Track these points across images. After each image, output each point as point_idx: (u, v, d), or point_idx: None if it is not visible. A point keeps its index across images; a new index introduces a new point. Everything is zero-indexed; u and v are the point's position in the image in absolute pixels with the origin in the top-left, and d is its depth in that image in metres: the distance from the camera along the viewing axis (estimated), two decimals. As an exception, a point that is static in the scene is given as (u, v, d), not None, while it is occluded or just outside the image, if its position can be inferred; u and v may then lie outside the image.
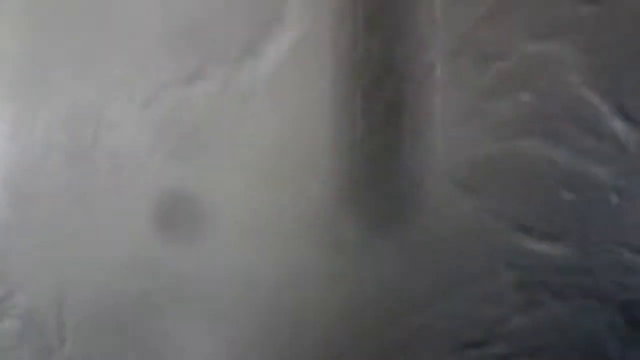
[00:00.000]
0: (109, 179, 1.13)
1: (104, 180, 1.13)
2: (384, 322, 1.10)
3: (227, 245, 1.12)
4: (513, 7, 1.04)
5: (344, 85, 1.09)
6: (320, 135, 1.11)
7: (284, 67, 1.10)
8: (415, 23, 1.06)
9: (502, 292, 1.08)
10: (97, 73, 1.14)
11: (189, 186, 1.12)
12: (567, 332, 1.06)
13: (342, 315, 1.11)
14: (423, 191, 1.08)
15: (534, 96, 1.05)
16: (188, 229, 1.12)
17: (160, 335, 1.12)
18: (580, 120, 1.03)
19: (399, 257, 1.10)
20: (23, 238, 1.16)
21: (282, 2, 1.09)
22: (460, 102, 1.07)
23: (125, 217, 1.13)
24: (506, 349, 1.07)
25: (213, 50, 1.11)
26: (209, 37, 1.11)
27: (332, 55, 1.09)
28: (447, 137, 1.08)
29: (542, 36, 1.03)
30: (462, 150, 1.08)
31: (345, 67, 1.09)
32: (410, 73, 1.08)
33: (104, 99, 1.14)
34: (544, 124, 1.05)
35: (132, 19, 1.13)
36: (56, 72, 1.15)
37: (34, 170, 1.16)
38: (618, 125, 1.01)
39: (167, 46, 1.12)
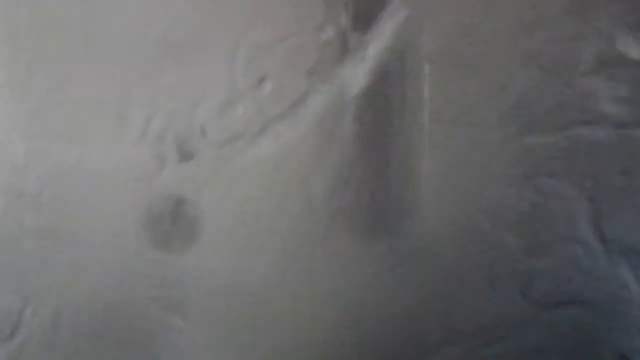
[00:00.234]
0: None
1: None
2: (375, 330, 1.11)
3: (217, 252, 1.12)
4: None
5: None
6: (310, 144, 1.11)
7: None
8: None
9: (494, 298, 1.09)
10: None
11: (177, 192, 1.12)
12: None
13: (332, 323, 1.11)
14: (413, 200, 1.09)
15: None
16: (177, 236, 1.13)
17: (151, 342, 1.14)
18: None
19: (390, 265, 1.10)
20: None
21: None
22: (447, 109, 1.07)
23: (113, 223, 1.13)
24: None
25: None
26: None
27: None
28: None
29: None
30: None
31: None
32: (398, 80, 1.08)
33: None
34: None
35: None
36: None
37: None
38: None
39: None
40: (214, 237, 1.12)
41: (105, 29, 1.11)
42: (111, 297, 1.13)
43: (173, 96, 1.11)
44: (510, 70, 1.07)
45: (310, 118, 1.10)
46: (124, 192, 1.12)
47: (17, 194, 1.13)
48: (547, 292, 1.08)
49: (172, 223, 1.12)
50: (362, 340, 1.11)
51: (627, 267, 1.06)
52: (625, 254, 1.06)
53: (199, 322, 1.12)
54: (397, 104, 1.09)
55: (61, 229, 1.13)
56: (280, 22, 1.09)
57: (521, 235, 1.08)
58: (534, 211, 1.08)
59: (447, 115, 1.08)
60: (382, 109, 1.09)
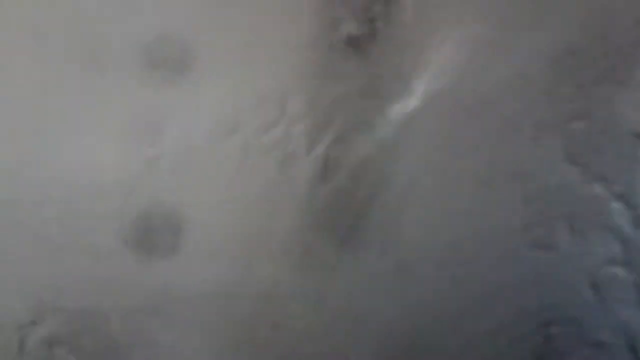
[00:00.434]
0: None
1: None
2: (354, 341, 1.12)
3: (200, 262, 1.12)
4: None
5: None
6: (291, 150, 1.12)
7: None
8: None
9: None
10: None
11: (162, 200, 1.11)
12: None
13: (313, 333, 1.12)
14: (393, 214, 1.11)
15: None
16: (161, 245, 1.12)
17: (131, 352, 1.13)
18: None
19: (371, 277, 1.11)
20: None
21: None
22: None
23: (94, 229, 1.12)
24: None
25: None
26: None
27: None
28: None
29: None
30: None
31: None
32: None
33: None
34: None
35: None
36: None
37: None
38: None
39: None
40: (198, 244, 1.11)
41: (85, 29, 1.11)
42: (91, 305, 1.12)
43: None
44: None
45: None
46: (106, 197, 1.11)
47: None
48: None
49: (155, 230, 1.12)
50: (346, 350, 1.13)
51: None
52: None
53: (183, 332, 1.12)
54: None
55: (39, 233, 1.12)
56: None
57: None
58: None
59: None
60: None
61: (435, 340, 1.12)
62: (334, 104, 1.11)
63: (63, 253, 1.11)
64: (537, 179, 1.11)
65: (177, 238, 1.11)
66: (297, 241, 1.11)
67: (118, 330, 1.12)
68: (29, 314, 1.11)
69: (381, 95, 1.11)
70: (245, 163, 1.11)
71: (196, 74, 1.10)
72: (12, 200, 1.10)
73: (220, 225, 1.11)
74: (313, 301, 1.11)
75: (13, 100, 1.11)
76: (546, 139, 1.11)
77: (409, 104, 1.11)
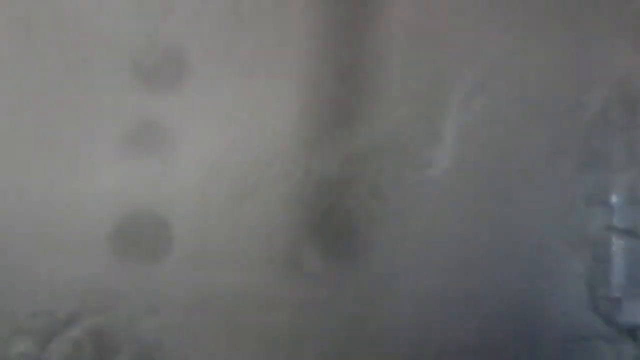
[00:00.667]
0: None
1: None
2: (345, 349, 1.11)
3: (186, 268, 1.11)
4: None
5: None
6: (283, 161, 1.12)
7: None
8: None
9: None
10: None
11: (146, 204, 1.11)
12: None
13: (301, 341, 1.12)
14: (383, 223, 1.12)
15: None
16: (146, 251, 1.12)
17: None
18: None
19: (361, 286, 1.11)
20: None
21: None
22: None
23: (83, 234, 1.11)
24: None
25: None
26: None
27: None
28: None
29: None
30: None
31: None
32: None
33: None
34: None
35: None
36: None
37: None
38: None
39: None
40: (186, 250, 1.11)
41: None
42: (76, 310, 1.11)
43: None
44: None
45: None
46: (95, 201, 1.11)
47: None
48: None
49: (144, 235, 1.11)
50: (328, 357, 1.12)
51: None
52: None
53: (171, 337, 1.11)
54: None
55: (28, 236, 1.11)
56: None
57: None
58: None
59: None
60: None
61: (416, 348, 1.12)
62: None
63: (51, 256, 1.10)
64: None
65: (163, 245, 1.11)
66: (283, 249, 1.11)
67: (106, 334, 1.10)
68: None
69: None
70: (234, 172, 1.12)
71: (189, 82, 1.11)
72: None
73: (206, 233, 1.11)
74: (296, 309, 1.11)
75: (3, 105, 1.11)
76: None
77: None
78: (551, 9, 1.15)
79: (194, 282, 1.11)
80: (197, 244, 1.11)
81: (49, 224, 1.10)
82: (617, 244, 1.13)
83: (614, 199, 1.13)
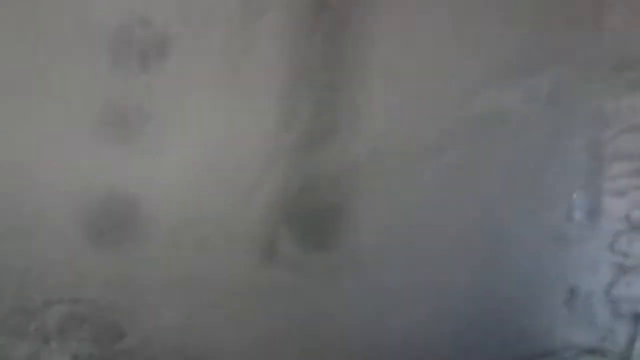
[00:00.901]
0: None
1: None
2: (321, 336, 1.13)
3: (162, 252, 1.11)
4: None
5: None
6: (262, 149, 1.12)
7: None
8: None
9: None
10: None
11: (123, 189, 1.11)
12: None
13: (278, 328, 1.13)
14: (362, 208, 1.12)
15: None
16: (122, 235, 1.11)
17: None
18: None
19: (336, 272, 1.12)
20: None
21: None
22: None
23: (57, 220, 1.10)
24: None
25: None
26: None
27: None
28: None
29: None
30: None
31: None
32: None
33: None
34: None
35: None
36: None
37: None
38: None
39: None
40: (162, 236, 1.11)
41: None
42: (53, 298, 1.11)
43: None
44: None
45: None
46: (70, 188, 1.10)
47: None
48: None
49: (119, 221, 1.11)
50: (303, 349, 1.13)
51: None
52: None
53: (146, 321, 1.12)
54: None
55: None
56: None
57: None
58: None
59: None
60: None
61: (395, 341, 1.13)
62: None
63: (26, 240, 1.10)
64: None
65: (140, 228, 1.11)
66: (264, 237, 1.12)
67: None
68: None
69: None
70: (214, 156, 1.12)
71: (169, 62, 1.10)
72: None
73: (185, 217, 1.11)
74: (274, 297, 1.12)
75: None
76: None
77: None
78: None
79: (170, 265, 1.11)
80: (175, 227, 1.11)
81: (24, 209, 1.09)
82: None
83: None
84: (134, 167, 1.11)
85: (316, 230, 1.13)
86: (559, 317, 1.15)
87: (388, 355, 1.14)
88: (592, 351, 1.15)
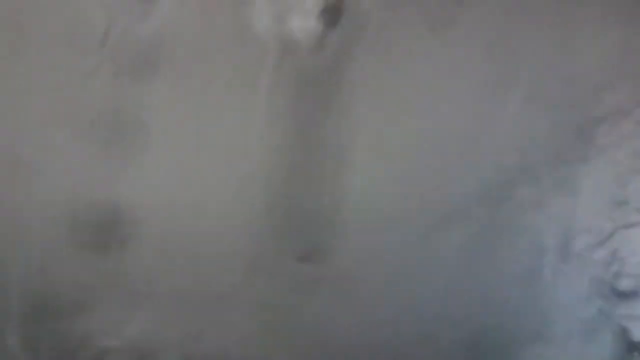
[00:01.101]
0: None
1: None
2: (308, 348, 1.13)
3: (149, 262, 1.12)
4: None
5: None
6: (250, 163, 1.12)
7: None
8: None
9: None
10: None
11: (114, 198, 1.11)
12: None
13: (264, 340, 1.13)
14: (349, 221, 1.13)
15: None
16: (108, 240, 1.11)
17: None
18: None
19: (324, 284, 1.13)
20: None
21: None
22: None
23: (43, 222, 1.10)
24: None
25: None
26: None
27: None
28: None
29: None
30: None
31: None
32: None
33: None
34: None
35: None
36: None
37: None
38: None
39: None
40: (148, 239, 1.11)
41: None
42: (36, 299, 1.10)
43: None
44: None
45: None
46: (55, 189, 1.10)
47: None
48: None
49: (105, 225, 1.11)
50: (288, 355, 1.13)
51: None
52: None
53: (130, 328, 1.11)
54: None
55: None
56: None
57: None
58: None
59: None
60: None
61: (377, 348, 1.14)
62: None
63: (12, 246, 1.09)
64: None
65: (128, 235, 1.11)
66: (250, 246, 1.12)
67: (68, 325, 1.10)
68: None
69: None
70: (203, 163, 1.11)
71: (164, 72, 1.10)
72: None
73: (173, 225, 1.11)
74: (259, 305, 1.13)
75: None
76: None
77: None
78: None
79: (157, 276, 1.11)
80: (163, 237, 1.11)
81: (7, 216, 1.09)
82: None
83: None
84: (124, 176, 1.10)
85: (303, 243, 1.13)
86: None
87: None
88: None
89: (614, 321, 1.14)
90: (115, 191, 1.10)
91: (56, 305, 1.10)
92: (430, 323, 1.14)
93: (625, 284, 1.15)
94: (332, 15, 1.11)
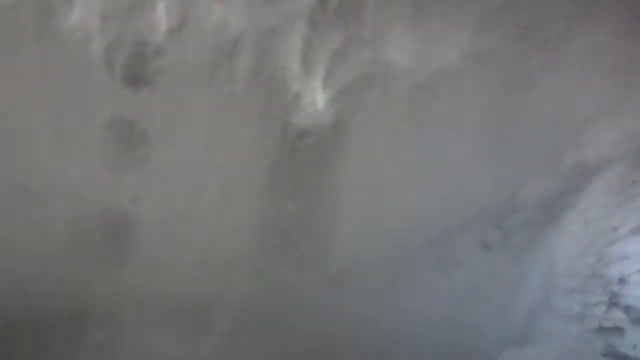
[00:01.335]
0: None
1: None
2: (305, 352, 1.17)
3: (152, 267, 1.14)
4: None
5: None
6: (253, 177, 1.17)
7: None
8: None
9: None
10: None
11: (115, 208, 1.13)
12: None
13: (259, 341, 1.17)
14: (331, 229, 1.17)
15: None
16: (111, 251, 1.14)
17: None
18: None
19: (321, 291, 1.18)
20: None
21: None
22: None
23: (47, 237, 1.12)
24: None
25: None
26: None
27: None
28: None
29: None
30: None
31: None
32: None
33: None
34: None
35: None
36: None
37: None
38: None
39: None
40: (149, 250, 1.14)
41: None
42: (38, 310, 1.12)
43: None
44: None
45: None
46: (61, 204, 1.12)
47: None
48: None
49: (106, 236, 1.13)
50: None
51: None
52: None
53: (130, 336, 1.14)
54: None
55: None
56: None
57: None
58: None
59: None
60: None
61: (364, 348, 1.18)
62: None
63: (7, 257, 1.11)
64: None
65: (127, 246, 1.14)
66: (247, 254, 1.17)
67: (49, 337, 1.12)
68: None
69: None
70: (202, 175, 1.16)
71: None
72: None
73: (172, 234, 1.15)
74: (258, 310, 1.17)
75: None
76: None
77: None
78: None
79: (155, 286, 1.14)
80: (161, 249, 1.15)
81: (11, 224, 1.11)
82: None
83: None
84: (124, 188, 1.14)
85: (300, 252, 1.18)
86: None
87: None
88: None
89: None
90: (115, 202, 1.13)
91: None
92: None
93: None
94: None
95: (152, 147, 1.14)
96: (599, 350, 1.13)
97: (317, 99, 1.11)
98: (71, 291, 1.12)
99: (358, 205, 1.17)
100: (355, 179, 1.17)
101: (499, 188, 1.18)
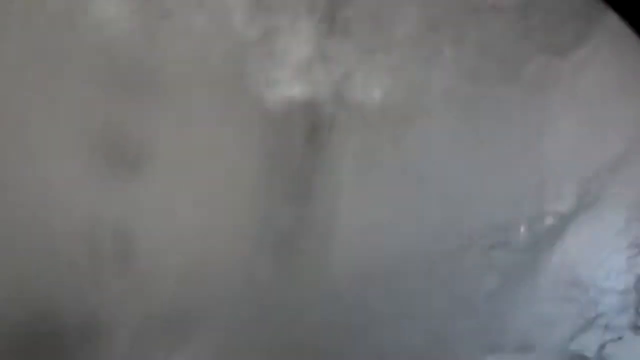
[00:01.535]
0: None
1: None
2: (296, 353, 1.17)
3: (151, 278, 1.13)
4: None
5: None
6: (248, 182, 1.14)
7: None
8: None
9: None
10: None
11: (110, 219, 1.12)
12: None
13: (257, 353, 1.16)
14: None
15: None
16: (109, 257, 1.13)
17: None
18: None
19: (314, 293, 1.16)
20: None
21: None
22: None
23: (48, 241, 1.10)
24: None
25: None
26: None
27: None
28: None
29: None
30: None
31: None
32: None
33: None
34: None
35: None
36: None
37: None
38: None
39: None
40: (148, 262, 1.13)
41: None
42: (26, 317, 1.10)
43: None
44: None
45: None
46: (58, 213, 1.10)
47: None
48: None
49: (102, 249, 1.11)
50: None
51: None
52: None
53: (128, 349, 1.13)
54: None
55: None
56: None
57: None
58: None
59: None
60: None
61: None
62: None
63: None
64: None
65: (125, 258, 1.12)
66: (241, 265, 1.15)
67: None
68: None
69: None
70: (200, 186, 1.13)
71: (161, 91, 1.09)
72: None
73: (169, 246, 1.13)
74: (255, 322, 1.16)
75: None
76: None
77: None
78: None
79: (149, 298, 1.13)
80: (157, 260, 1.13)
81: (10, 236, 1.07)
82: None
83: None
84: (127, 201, 1.12)
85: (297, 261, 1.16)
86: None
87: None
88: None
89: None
90: (110, 213, 1.11)
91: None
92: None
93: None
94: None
95: (147, 154, 1.11)
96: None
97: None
98: (62, 303, 1.11)
99: (358, 209, 1.14)
100: (355, 182, 1.14)
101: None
